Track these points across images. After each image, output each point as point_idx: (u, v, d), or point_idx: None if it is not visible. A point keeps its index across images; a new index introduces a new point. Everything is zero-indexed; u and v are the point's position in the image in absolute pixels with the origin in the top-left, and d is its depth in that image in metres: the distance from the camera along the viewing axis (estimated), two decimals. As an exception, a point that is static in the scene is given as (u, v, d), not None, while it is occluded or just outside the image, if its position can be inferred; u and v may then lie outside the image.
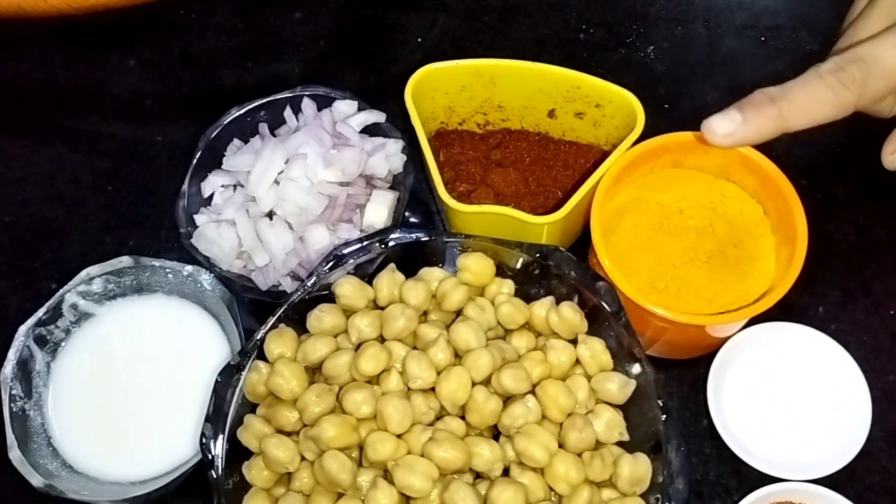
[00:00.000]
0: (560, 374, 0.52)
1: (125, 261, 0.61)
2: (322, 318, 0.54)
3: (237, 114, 0.64)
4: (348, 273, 0.55)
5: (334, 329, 0.54)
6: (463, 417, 0.51)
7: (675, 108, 0.72)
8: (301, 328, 0.54)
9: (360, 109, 0.64)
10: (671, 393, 0.62)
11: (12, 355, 0.58)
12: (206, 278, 0.60)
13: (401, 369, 0.51)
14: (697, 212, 0.60)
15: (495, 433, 0.52)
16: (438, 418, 0.51)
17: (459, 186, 0.64)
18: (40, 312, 0.59)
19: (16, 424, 0.57)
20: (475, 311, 0.54)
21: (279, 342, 0.52)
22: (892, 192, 0.65)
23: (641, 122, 0.58)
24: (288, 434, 0.51)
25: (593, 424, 0.51)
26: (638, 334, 0.53)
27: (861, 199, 0.67)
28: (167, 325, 0.62)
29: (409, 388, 0.51)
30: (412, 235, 0.55)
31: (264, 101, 0.65)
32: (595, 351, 0.53)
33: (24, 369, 0.59)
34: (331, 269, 0.55)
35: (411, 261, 0.56)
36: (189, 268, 0.60)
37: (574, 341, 0.53)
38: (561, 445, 0.50)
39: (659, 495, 0.50)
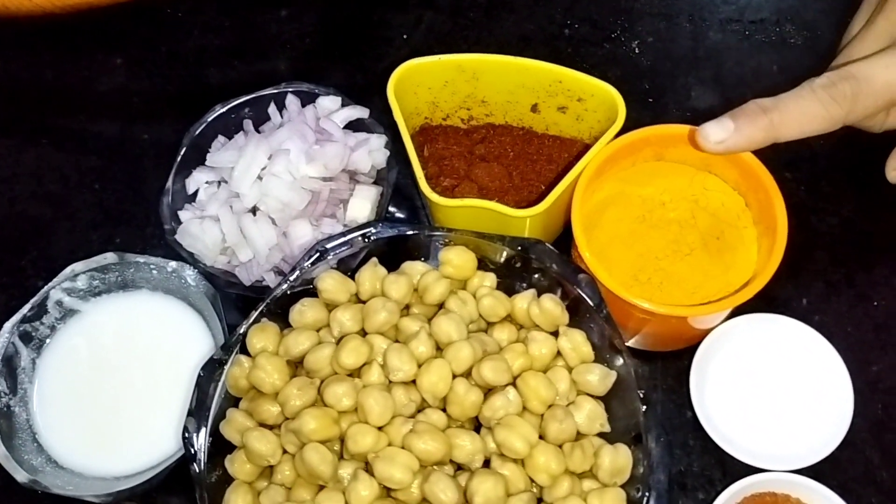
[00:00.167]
0: (541, 366, 0.53)
1: (110, 257, 0.61)
2: (304, 312, 0.54)
3: (221, 111, 0.65)
4: (331, 268, 0.55)
5: (316, 323, 0.54)
6: (444, 410, 0.51)
7: (659, 102, 0.72)
8: (284, 323, 0.55)
9: (343, 105, 0.64)
10: (655, 385, 0.62)
11: (-3, 352, 0.58)
12: (190, 274, 0.60)
13: (382, 362, 0.51)
14: (680, 204, 0.60)
15: (476, 425, 0.52)
16: (420, 411, 0.51)
17: (444, 181, 0.65)
18: (25, 309, 0.59)
19: (1, 420, 0.57)
20: (457, 305, 0.54)
21: (261, 336, 0.53)
22: (875, 185, 0.65)
23: (622, 116, 0.58)
24: (270, 427, 0.51)
25: (574, 416, 0.51)
26: (620, 326, 0.53)
27: (845, 191, 0.67)
28: (152, 321, 0.62)
29: (390, 381, 0.51)
30: (394, 229, 0.55)
31: (249, 97, 0.65)
32: (576, 343, 0.53)
33: (10, 366, 0.59)
34: (313, 263, 0.55)
35: (395, 255, 0.56)
36: (173, 264, 0.61)
37: (555, 333, 0.53)
38: (542, 437, 0.50)
39: (640, 485, 0.50)
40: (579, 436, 0.51)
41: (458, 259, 0.55)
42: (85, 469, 0.58)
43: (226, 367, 0.53)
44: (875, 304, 0.64)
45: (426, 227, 0.56)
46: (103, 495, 0.55)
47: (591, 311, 0.53)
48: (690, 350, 0.60)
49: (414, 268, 0.55)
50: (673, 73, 0.73)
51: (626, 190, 0.60)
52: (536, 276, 0.55)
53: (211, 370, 0.52)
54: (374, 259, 0.55)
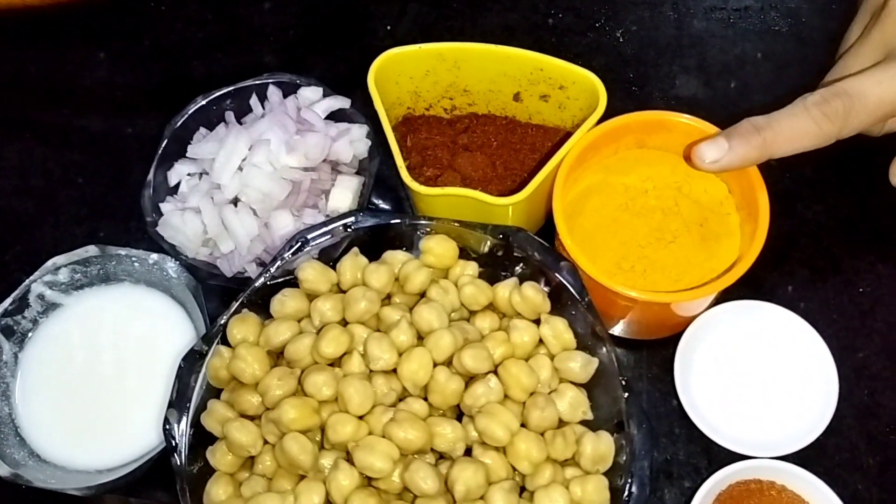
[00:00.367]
0: (523, 353, 0.52)
1: (91, 250, 0.61)
2: (285, 302, 0.54)
3: (203, 103, 0.64)
4: (312, 258, 0.55)
5: (297, 313, 0.54)
6: (426, 399, 0.51)
7: (644, 91, 0.72)
8: (266, 313, 0.54)
9: (325, 96, 0.64)
10: (640, 374, 0.62)
11: (-21, 346, 0.58)
12: (171, 266, 0.60)
13: (362, 351, 0.51)
14: (663, 192, 0.60)
15: (459, 414, 0.52)
16: (401, 400, 0.51)
17: (427, 171, 0.64)
18: (6, 303, 0.59)
19: (-18, 415, 0.57)
20: (438, 293, 0.54)
21: (242, 327, 0.53)
22: (860, 171, 0.65)
23: (603, 102, 0.58)
24: (251, 418, 0.51)
25: (557, 403, 0.51)
26: (604, 314, 0.53)
27: (829, 177, 0.67)
28: (134, 313, 0.62)
29: (371, 371, 0.51)
30: (375, 218, 0.55)
31: (230, 89, 0.65)
32: (558, 330, 0.53)
33: (-9, 360, 0.59)
34: (294, 253, 0.55)
35: (378, 246, 0.56)
36: (155, 256, 0.60)
37: (537, 322, 0.53)
38: (524, 425, 0.50)
39: (622, 473, 0.50)
40: (561, 423, 0.51)
41: (439, 248, 0.55)
42: (68, 462, 0.58)
43: (206, 359, 0.52)
44: (860, 290, 0.64)
45: (407, 216, 0.56)
46: (85, 488, 0.55)
47: (573, 298, 0.53)
48: (676, 338, 0.60)
49: (395, 257, 0.55)
50: (657, 62, 0.73)
51: (609, 178, 0.60)
52: (520, 265, 0.55)
53: (192, 361, 0.52)
54: (356, 249, 0.55)
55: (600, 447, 0.50)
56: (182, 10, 0.79)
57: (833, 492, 0.54)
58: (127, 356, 0.60)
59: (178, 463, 0.50)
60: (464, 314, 0.55)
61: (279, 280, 0.55)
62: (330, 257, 0.56)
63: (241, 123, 0.65)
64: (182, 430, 0.51)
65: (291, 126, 0.60)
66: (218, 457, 0.51)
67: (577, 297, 0.53)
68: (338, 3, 0.78)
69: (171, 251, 0.60)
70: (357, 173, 0.63)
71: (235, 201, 0.60)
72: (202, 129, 0.65)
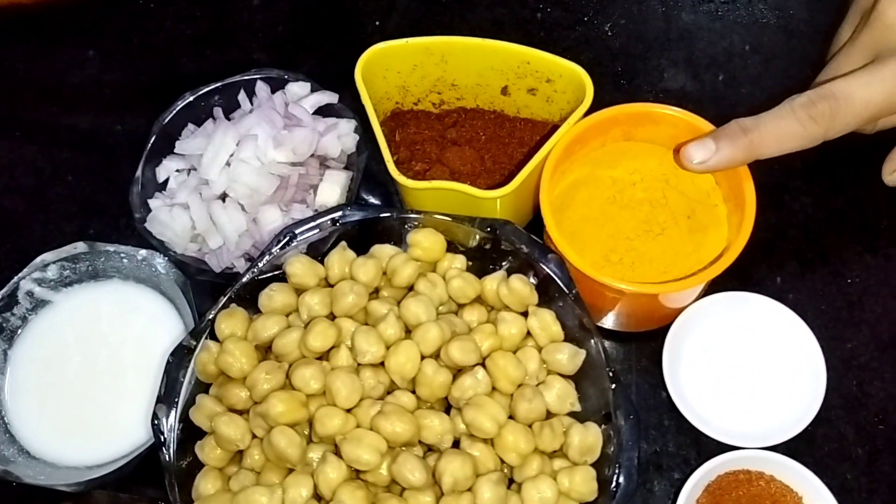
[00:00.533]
0: (511, 346, 0.53)
1: (80, 246, 0.61)
2: (273, 296, 0.54)
3: (191, 98, 0.64)
4: (301, 252, 0.55)
5: (285, 308, 0.54)
6: (414, 392, 0.51)
7: (632, 84, 0.72)
8: (254, 308, 0.54)
9: (313, 91, 0.64)
10: (630, 366, 0.62)
11: (-31, 344, 0.58)
12: (160, 262, 0.60)
13: (350, 345, 0.51)
14: (650, 184, 0.60)
15: (447, 407, 0.52)
16: (389, 393, 0.51)
17: (415, 166, 0.64)
18: (-5, 300, 0.59)
19: (-28, 412, 0.57)
20: (426, 287, 0.54)
21: (229, 322, 0.53)
22: (847, 162, 0.65)
23: (590, 95, 0.58)
24: (239, 412, 0.51)
25: (544, 395, 0.51)
26: (592, 307, 0.53)
27: (817, 169, 0.67)
28: (123, 310, 0.62)
29: (358, 364, 0.51)
30: (363, 212, 0.55)
31: (218, 85, 0.65)
32: (545, 322, 0.53)
33: (-19, 357, 0.59)
34: (282, 248, 0.55)
35: (366, 240, 0.56)
36: (143, 252, 0.60)
37: (525, 314, 0.53)
38: (512, 417, 0.50)
39: (610, 464, 0.50)
40: (549, 415, 0.51)
41: (426, 241, 0.55)
42: (57, 459, 0.58)
43: (195, 354, 0.52)
44: (849, 281, 0.64)
45: (395, 210, 0.56)
46: (75, 484, 0.55)
47: (560, 291, 0.53)
48: (665, 330, 0.60)
49: (383, 251, 0.55)
50: (645, 55, 0.73)
51: (597, 171, 0.60)
52: (508, 259, 0.55)
53: (180, 356, 0.52)
54: (343, 243, 0.55)
55: (588, 438, 0.50)
56: (171, 7, 0.79)
57: (821, 482, 0.55)
58: (116, 352, 0.61)
59: (167, 458, 0.50)
60: (452, 307, 0.55)
61: (267, 275, 0.55)
62: (318, 252, 0.56)
63: (229, 119, 0.65)
64: (171, 425, 0.51)
65: (279, 121, 0.60)
66: (206, 451, 0.51)
67: (565, 289, 0.53)
68: (326, -2, 0.78)
69: (160, 247, 0.60)
70: (345, 168, 0.63)
71: (223, 197, 0.61)
72: (190, 126, 0.65)
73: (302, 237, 0.55)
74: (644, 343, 0.63)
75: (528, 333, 0.53)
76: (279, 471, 0.49)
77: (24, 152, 0.73)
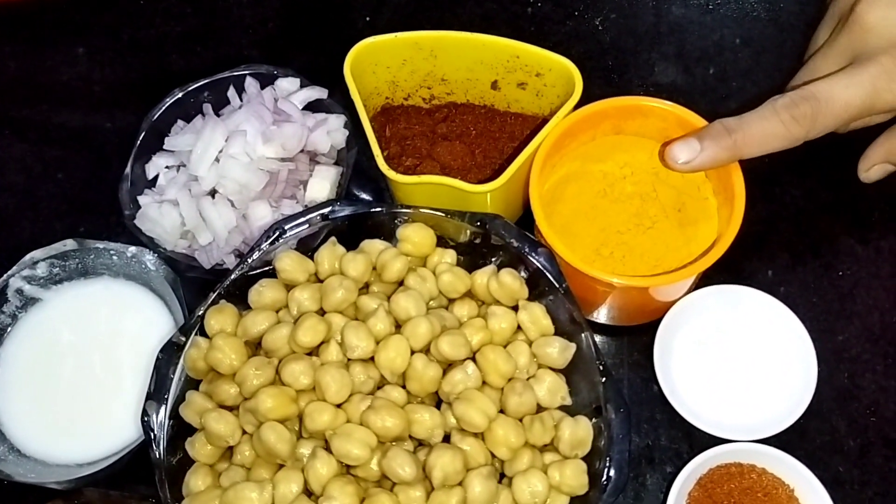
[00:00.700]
0: (501, 340, 0.52)
1: (69, 244, 0.61)
2: (263, 292, 0.53)
3: (180, 95, 0.64)
4: (291, 248, 0.55)
5: (275, 303, 0.54)
6: (404, 386, 0.51)
7: (623, 78, 0.72)
8: (244, 304, 0.54)
9: (302, 86, 0.64)
10: (621, 360, 0.62)
11: (-42, 342, 0.58)
12: (150, 259, 0.60)
13: (340, 340, 0.51)
14: (640, 178, 0.60)
15: (437, 401, 0.52)
16: (379, 387, 0.51)
17: (406, 161, 0.64)
18: (-16, 299, 0.59)
19: (-38, 411, 0.57)
20: (416, 282, 0.54)
21: (219, 318, 0.52)
22: (837, 154, 0.65)
23: (579, 88, 0.58)
24: (230, 409, 0.51)
25: (535, 389, 0.51)
26: (583, 300, 0.53)
27: (808, 162, 0.67)
28: (113, 307, 0.62)
29: (348, 359, 0.51)
30: (353, 207, 0.55)
31: (207, 81, 0.65)
32: (535, 316, 0.53)
33: (-29, 356, 0.59)
34: (272, 244, 0.55)
35: (356, 236, 0.56)
36: (133, 249, 0.60)
37: (515, 308, 0.53)
38: (502, 411, 0.50)
39: (601, 457, 0.50)
40: (540, 409, 0.51)
41: (416, 236, 0.55)
42: (48, 457, 0.58)
43: (184, 350, 0.52)
44: (840, 273, 0.64)
45: (384, 205, 0.56)
46: (65, 482, 0.55)
47: (550, 285, 0.53)
48: (656, 325, 0.60)
49: (372, 246, 0.55)
50: (636, 49, 0.73)
51: (587, 165, 0.60)
52: (499, 253, 0.55)
53: (170, 353, 0.52)
54: (333, 238, 0.55)
55: (578, 432, 0.50)
56: (161, 4, 0.78)
57: (813, 474, 0.55)
58: (106, 349, 0.60)
59: (157, 455, 0.50)
60: (442, 302, 0.55)
61: (257, 271, 0.55)
62: (308, 247, 0.56)
63: (218, 115, 0.64)
64: (161, 421, 0.51)
65: (268, 117, 0.60)
66: (197, 448, 0.51)
67: (555, 283, 0.53)
68: (317, -6, 0.78)
69: (150, 244, 0.60)
70: (335, 164, 0.63)
71: (213, 193, 0.60)
72: (180, 122, 0.64)
73: (291, 233, 0.55)
74: (635, 337, 0.63)
75: (519, 328, 0.53)
76: (269, 466, 0.49)
77: (13, 150, 0.73)
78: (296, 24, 0.77)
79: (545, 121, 0.64)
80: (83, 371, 0.60)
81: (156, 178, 0.64)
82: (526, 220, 0.64)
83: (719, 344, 0.60)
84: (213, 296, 0.53)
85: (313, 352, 0.51)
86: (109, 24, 0.78)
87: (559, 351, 0.52)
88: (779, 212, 0.66)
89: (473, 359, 0.51)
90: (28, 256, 0.60)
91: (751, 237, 0.59)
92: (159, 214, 0.59)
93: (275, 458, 0.49)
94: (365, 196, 0.68)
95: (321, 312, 0.53)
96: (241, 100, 0.65)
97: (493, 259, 0.56)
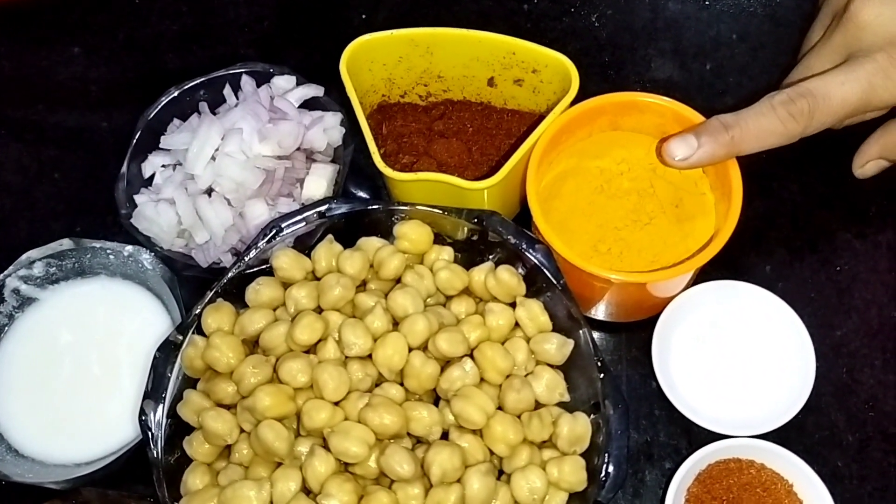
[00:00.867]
0: (499, 337, 0.52)
1: (66, 243, 0.61)
2: (260, 290, 0.53)
3: (176, 93, 0.64)
4: (288, 246, 0.55)
5: (272, 302, 0.53)
6: (402, 384, 0.51)
7: (620, 75, 0.72)
8: (241, 302, 0.54)
9: (298, 84, 0.64)
10: (620, 356, 0.62)
11: (-44, 342, 0.58)
12: (146, 258, 0.60)
13: (337, 338, 0.51)
14: (637, 174, 0.60)
15: (435, 398, 0.52)
16: (377, 385, 0.51)
17: (403, 158, 0.64)
18: (-19, 299, 0.59)
19: (-41, 411, 0.57)
20: (413, 279, 0.53)
21: (216, 316, 0.52)
22: (834, 150, 0.65)
23: (576, 84, 0.58)
24: (227, 407, 0.51)
25: (533, 386, 0.51)
26: (581, 297, 0.53)
27: (804, 157, 0.67)
28: (110, 306, 0.62)
29: (346, 357, 0.50)
30: (349, 205, 0.55)
31: (203, 79, 0.65)
32: (533, 313, 0.52)
33: (-32, 356, 0.59)
34: (269, 242, 0.54)
35: (354, 233, 0.56)
36: (129, 248, 0.60)
37: (513, 305, 0.53)
38: (500, 408, 0.50)
39: (599, 454, 0.50)
40: (538, 405, 0.51)
41: (413, 233, 0.55)
42: (45, 456, 0.58)
43: (182, 349, 0.52)
44: (838, 268, 0.64)
45: (381, 202, 0.55)
46: (63, 482, 0.55)
47: (548, 281, 0.53)
48: (655, 321, 0.60)
49: (370, 243, 0.55)
50: (633, 45, 0.73)
51: (584, 161, 0.60)
52: (496, 251, 0.55)
53: (167, 352, 0.52)
54: (330, 236, 0.55)
55: (577, 428, 0.50)
56: (156, 3, 0.78)
57: (812, 469, 0.55)
58: (103, 349, 0.60)
59: (155, 454, 0.50)
60: (439, 299, 0.55)
61: (254, 269, 0.55)
62: (305, 245, 0.56)
63: (214, 114, 0.64)
64: (158, 420, 0.50)
65: (264, 115, 0.60)
66: (195, 446, 0.51)
67: (553, 280, 0.53)
68: (312, -8, 0.78)
69: (147, 243, 0.60)
70: (332, 161, 0.63)
71: (209, 191, 0.60)
72: (176, 121, 0.64)
73: (288, 231, 0.55)
74: (634, 333, 0.63)
75: (517, 324, 0.53)
76: (267, 465, 0.49)
77: (9, 150, 0.73)
78: (291, 22, 0.77)
79: (542, 117, 0.64)
80: (80, 371, 0.60)
81: (152, 176, 0.64)
82: (523, 216, 0.64)
83: (717, 340, 0.60)
84: (210, 294, 0.53)
85: (311, 350, 0.51)
86: (105, 23, 0.78)
87: (557, 347, 0.52)
88: (776, 207, 0.66)
89: (471, 356, 0.51)
90: (25, 256, 0.60)
91: (748, 232, 0.59)
92: (156, 213, 0.59)
93: (273, 457, 0.48)
94: (362, 194, 0.68)
95: (318, 310, 0.53)
96: (237, 98, 0.64)
97: (491, 256, 0.55)
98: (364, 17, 0.76)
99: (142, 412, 0.50)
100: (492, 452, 0.50)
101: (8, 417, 0.59)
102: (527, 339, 0.53)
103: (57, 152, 0.73)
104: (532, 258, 0.53)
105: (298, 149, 0.61)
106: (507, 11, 0.75)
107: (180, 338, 0.52)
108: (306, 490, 0.48)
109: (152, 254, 0.60)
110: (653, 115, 0.58)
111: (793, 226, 0.65)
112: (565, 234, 0.57)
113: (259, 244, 0.54)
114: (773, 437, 0.56)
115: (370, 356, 0.50)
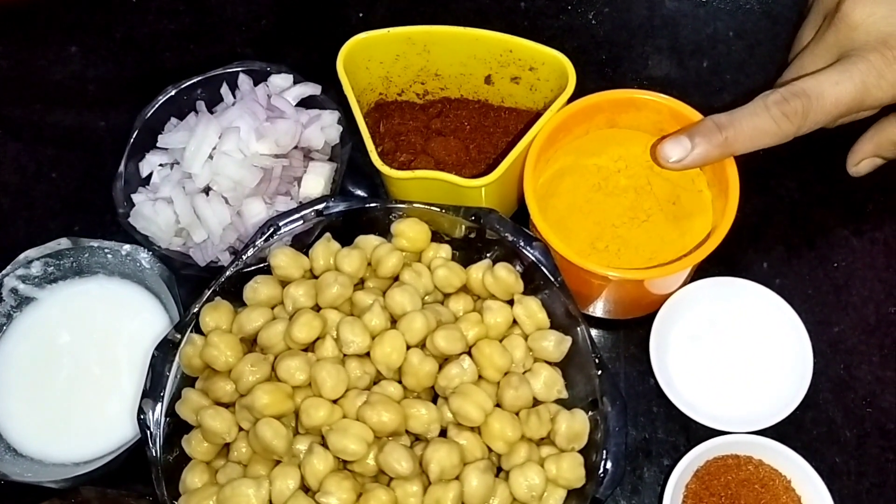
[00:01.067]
0: (497, 334, 0.52)
1: (63, 242, 0.61)
2: (258, 289, 0.53)
3: (173, 93, 0.64)
4: (286, 245, 0.55)
5: (270, 300, 0.54)
6: (400, 381, 0.51)
7: (617, 72, 0.72)
8: (239, 301, 0.54)
9: (295, 83, 0.64)
10: (618, 354, 0.62)
11: (-46, 342, 0.58)
12: (144, 257, 0.60)
13: (335, 336, 0.51)
14: (635, 171, 0.60)
15: (434, 396, 0.52)
16: (375, 383, 0.51)
17: (400, 157, 0.64)
18: (-21, 299, 0.59)
19: (-42, 410, 0.57)
20: (411, 277, 0.53)
21: (214, 315, 0.52)
22: (831, 147, 0.65)
23: (573, 82, 0.58)
24: (226, 405, 0.51)
25: (531, 383, 0.51)
26: (579, 294, 0.53)
27: (802, 154, 0.67)
28: (109, 306, 0.62)
29: (344, 355, 0.51)
30: (347, 203, 0.55)
31: (200, 78, 0.65)
32: (531, 310, 0.53)
33: (-34, 356, 0.59)
34: (266, 240, 0.54)
35: (351, 232, 0.56)
36: (127, 247, 0.60)
37: (511, 302, 0.53)
38: (499, 405, 0.50)
39: (597, 450, 0.50)
40: (537, 402, 0.51)
41: (410, 231, 0.55)
42: (44, 456, 0.58)
43: (180, 347, 0.52)
44: (835, 265, 0.64)
45: (379, 200, 0.55)
46: (62, 481, 0.55)
47: (545, 279, 0.53)
48: (652, 318, 0.60)
49: (367, 241, 0.55)
50: (630, 43, 0.73)
51: (581, 159, 0.60)
52: (494, 248, 0.55)
53: (165, 351, 0.52)
54: (328, 234, 0.55)
55: (575, 425, 0.50)
56: (153, 2, 0.78)
57: (810, 465, 0.55)
58: (102, 348, 0.60)
59: (154, 452, 0.50)
60: (437, 297, 0.55)
61: (252, 267, 0.55)
62: (303, 244, 0.56)
63: (212, 113, 0.64)
64: (157, 419, 0.51)
65: (261, 113, 0.60)
66: (193, 445, 0.51)
67: (550, 277, 0.53)
68: (309, -9, 0.78)
69: (144, 242, 0.60)
70: (329, 160, 0.63)
71: (207, 190, 0.60)
72: (173, 119, 0.64)
73: (286, 229, 0.55)
74: (631, 330, 0.63)
75: (514, 322, 0.53)
76: (266, 463, 0.49)
77: (7, 150, 0.73)
78: (289, 21, 0.77)
79: (539, 115, 0.64)
80: (79, 370, 0.60)
81: (150, 175, 0.64)
82: (521, 214, 0.64)
83: (715, 336, 0.60)
84: (208, 293, 0.53)
85: (309, 348, 0.51)
86: (102, 22, 0.78)
87: (555, 344, 0.52)
88: (773, 204, 0.66)
89: (469, 353, 0.51)
90: (23, 255, 0.60)
91: (746, 229, 0.59)
92: (153, 212, 0.59)
93: (271, 455, 0.48)
94: (359, 192, 0.68)
95: (316, 308, 0.53)
96: (235, 97, 0.64)
97: (489, 254, 0.56)
98: (361, 15, 0.76)
99: (140, 411, 0.50)
100: (490, 449, 0.50)
101: (7, 417, 0.59)
102: (525, 337, 0.53)
103: (54, 152, 0.73)
104: (530, 256, 0.53)
105: (296, 147, 0.61)
106: (503, 9, 0.75)
107: (178, 336, 0.52)
108: (305, 488, 0.48)
109: (150, 253, 0.60)
110: (650, 112, 0.58)
111: (790, 222, 0.66)
112: (563, 232, 0.57)
113: (257, 243, 0.54)
114: (771, 433, 0.56)
115: (368, 354, 0.50)
